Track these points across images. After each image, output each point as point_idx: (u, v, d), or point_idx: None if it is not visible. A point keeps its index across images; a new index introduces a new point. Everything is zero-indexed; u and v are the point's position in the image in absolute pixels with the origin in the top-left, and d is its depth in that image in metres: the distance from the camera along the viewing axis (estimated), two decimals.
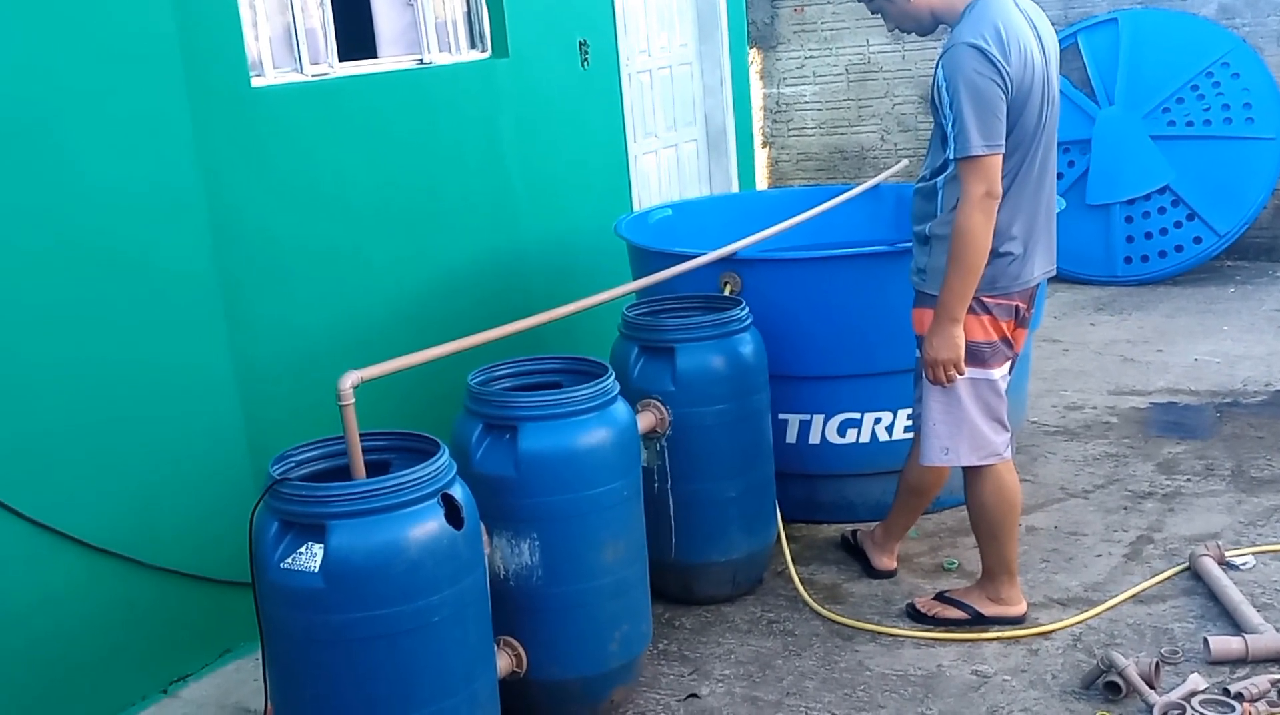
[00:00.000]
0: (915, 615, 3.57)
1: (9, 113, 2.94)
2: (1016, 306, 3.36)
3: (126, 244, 3.21)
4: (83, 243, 3.11)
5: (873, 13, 3.49)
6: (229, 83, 3.59)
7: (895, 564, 3.86)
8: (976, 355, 3.31)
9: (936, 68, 3.24)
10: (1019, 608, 3.52)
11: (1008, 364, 3.42)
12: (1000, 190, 3.19)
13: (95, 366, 3.15)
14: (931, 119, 3.42)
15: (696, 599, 3.71)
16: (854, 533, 4.00)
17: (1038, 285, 3.45)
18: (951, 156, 3.20)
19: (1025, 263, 3.31)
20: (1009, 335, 3.37)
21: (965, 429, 3.35)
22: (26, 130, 2.98)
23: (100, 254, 3.15)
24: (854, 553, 3.96)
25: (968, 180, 3.17)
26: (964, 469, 3.47)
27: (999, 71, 3.13)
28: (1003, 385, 3.40)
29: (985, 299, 3.28)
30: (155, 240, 3.28)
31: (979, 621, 3.51)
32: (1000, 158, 3.18)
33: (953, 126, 3.17)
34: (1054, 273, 3.49)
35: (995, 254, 3.24)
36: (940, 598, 3.60)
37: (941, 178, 3.32)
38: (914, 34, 3.46)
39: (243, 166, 3.62)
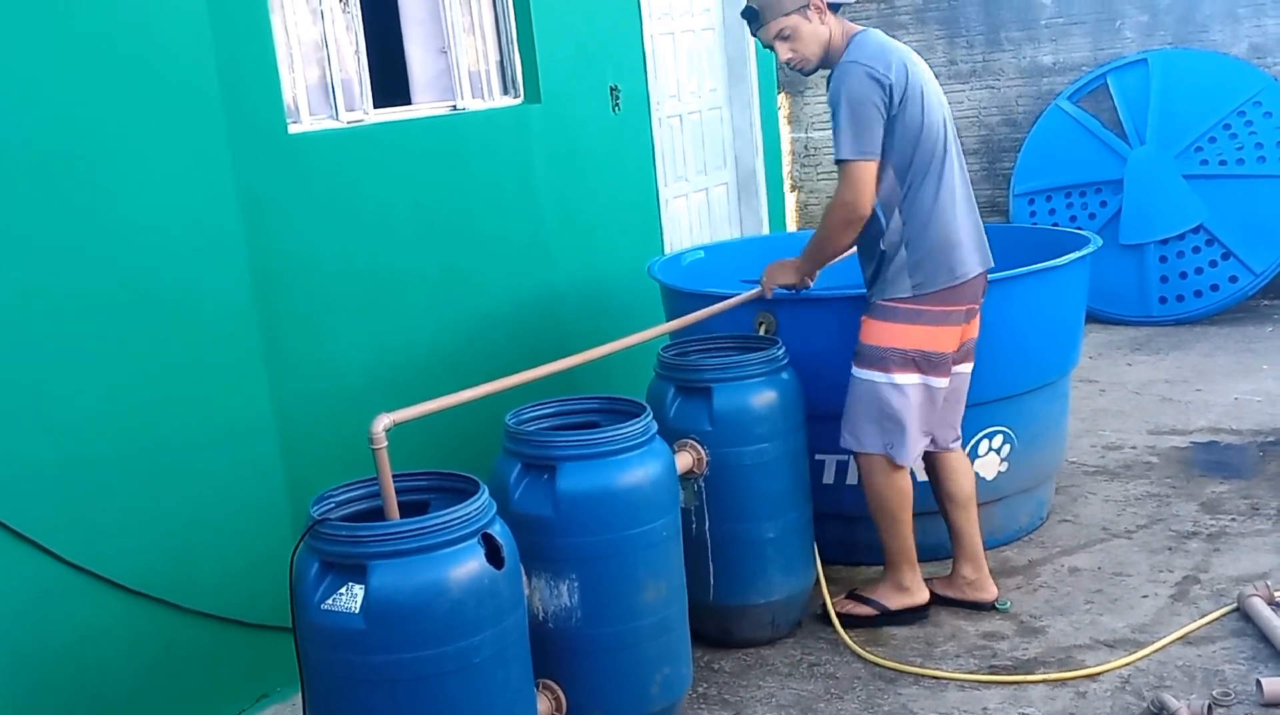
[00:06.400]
0: (826, 616, 3.69)
1: (58, 158, 2.98)
2: (967, 308, 3.53)
3: (168, 285, 3.23)
4: (126, 284, 3.13)
5: (783, 37, 3.54)
6: (267, 130, 3.63)
7: (997, 588, 3.80)
8: (928, 363, 3.51)
9: (828, 90, 3.51)
10: (922, 596, 3.69)
11: (948, 378, 3.58)
12: (867, 200, 3.38)
13: (135, 407, 3.16)
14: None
15: (735, 642, 3.67)
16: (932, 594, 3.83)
17: (982, 283, 3.59)
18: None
19: (969, 253, 3.49)
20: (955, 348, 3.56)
21: (871, 421, 3.55)
22: (75, 175, 3.02)
23: (143, 295, 3.17)
24: (954, 604, 3.80)
25: (839, 183, 3.40)
26: (858, 457, 3.65)
27: (881, 88, 3.35)
28: (939, 395, 3.57)
29: (942, 307, 3.46)
30: (196, 282, 3.31)
31: (886, 614, 3.67)
32: (872, 167, 3.36)
33: (834, 134, 3.41)
34: (990, 267, 3.64)
35: (948, 245, 3.44)
36: (851, 596, 3.76)
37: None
38: (802, 74, 3.65)
39: (281, 210, 3.65)
